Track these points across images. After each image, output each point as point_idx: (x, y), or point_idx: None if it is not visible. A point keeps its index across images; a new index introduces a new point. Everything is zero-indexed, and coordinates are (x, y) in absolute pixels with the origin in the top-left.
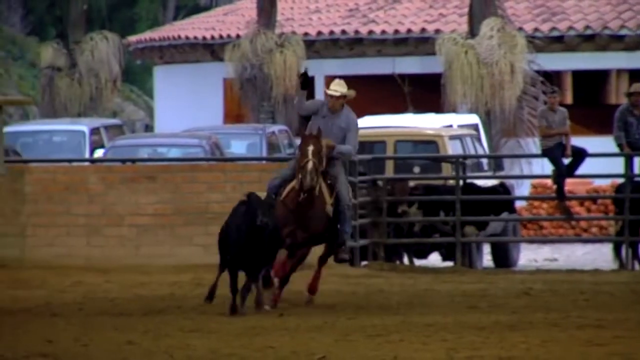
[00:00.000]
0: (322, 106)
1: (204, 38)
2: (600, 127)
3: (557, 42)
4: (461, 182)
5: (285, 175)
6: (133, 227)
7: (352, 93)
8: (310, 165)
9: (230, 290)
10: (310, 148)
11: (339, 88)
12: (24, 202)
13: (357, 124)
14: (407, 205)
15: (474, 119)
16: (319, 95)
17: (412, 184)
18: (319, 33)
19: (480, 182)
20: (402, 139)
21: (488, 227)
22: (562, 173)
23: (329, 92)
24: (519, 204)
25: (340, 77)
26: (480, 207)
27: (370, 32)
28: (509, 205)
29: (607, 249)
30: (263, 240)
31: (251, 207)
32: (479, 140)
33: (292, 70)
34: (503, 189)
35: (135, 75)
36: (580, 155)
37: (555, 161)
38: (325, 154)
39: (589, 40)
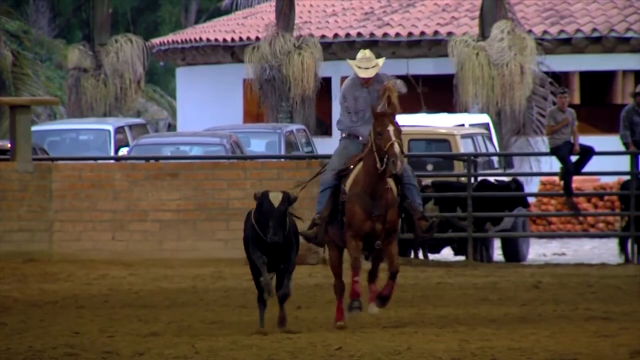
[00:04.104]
0: (352, 85)
1: (225, 40)
2: (606, 126)
3: (565, 44)
4: (473, 179)
5: (337, 167)
6: (156, 223)
7: (382, 61)
8: (397, 147)
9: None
10: (391, 128)
11: (371, 64)
12: (51, 199)
13: (386, 75)
14: None
15: (485, 118)
16: (336, 102)
17: (428, 181)
18: (336, 35)
19: (492, 179)
20: (415, 138)
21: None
22: (569, 170)
23: (362, 74)
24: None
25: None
26: (495, 203)
27: (385, 34)
28: (522, 201)
29: (613, 244)
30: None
31: (262, 216)
32: (490, 139)
33: (309, 71)
34: (516, 184)
35: (159, 76)
36: (587, 153)
37: (563, 159)
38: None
39: (596, 43)
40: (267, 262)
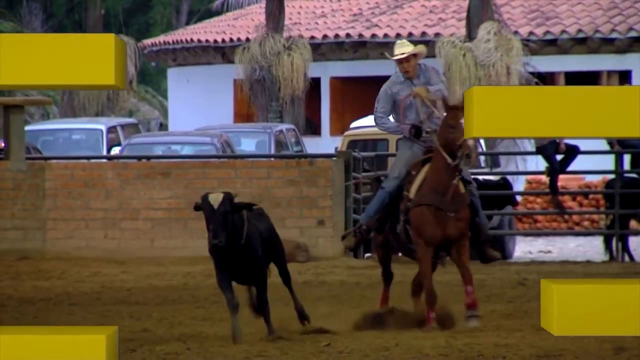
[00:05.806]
0: (395, 84)
1: (215, 41)
2: None
3: (551, 45)
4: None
5: (400, 173)
6: (148, 221)
7: (422, 48)
8: (472, 140)
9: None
10: (463, 122)
11: (404, 49)
12: (44, 197)
13: (434, 70)
14: None
15: None
16: (325, 102)
17: None
18: (325, 36)
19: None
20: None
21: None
22: (555, 169)
23: (396, 58)
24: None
25: (345, 78)
26: (485, 202)
27: (374, 35)
28: (511, 199)
29: (598, 242)
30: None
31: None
32: (477, 138)
33: (299, 71)
34: (505, 182)
35: (150, 76)
36: (572, 152)
37: (549, 158)
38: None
39: (581, 44)
40: (236, 275)
